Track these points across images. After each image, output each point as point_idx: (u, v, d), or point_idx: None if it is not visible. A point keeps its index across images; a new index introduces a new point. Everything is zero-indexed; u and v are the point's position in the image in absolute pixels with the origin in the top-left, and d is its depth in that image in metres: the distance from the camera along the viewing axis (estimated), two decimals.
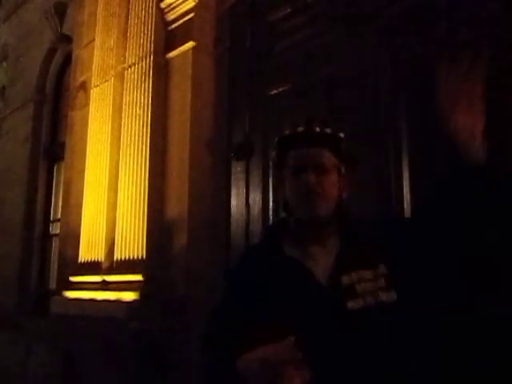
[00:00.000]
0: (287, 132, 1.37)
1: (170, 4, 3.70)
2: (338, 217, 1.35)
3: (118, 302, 3.41)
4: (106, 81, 4.09)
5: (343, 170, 1.36)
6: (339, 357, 1.17)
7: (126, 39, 3.95)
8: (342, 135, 1.38)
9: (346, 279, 1.25)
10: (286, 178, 1.35)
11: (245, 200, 3.16)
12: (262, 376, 1.10)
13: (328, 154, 1.33)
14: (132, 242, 3.48)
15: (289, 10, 3.13)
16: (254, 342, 1.15)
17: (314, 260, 1.30)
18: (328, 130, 1.35)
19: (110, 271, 3.67)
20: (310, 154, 1.32)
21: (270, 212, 2.97)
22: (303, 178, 1.29)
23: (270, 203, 2.98)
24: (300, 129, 1.34)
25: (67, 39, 5.59)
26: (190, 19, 3.59)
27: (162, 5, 3.74)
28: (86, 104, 4.40)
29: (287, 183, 1.35)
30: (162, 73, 3.69)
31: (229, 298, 1.36)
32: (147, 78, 3.66)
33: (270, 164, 1.53)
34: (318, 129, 1.33)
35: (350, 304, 1.22)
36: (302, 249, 1.33)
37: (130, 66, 3.85)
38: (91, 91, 4.28)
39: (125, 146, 3.73)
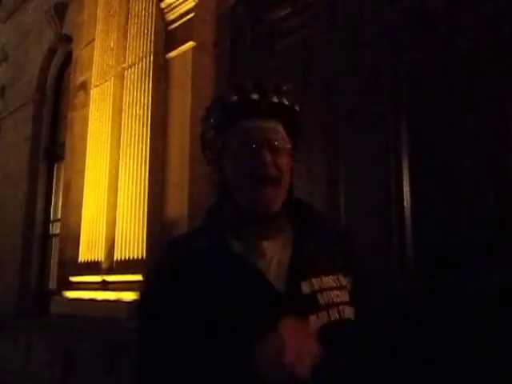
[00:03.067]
0: (235, 97, 1.07)
1: (170, 4, 3.70)
2: (289, 205, 1.13)
3: (118, 302, 3.41)
4: (106, 81, 4.09)
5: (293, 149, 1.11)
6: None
7: (126, 39, 3.95)
8: (297, 108, 1.12)
9: (305, 287, 1.02)
10: (229, 154, 1.07)
11: None
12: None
13: (282, 130, 1.08)
14: (132, 242, 3.48)
15: (289, 10, 3.13)
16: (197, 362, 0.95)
17: (265, 259, 1.05)
18: (285, 101, 1.09)
19: (110, 271, 3.67)
20: (263, 127, 1.06)
21: None
22: (258, 159, 1.03)
23: None
24: (254, 96, 1.06)
25: (67, 39, 5.59)
26: (189, 19, 3.59)
27: (162, 5, 3.74)
28: (86, 104, 4.40)
29: (231, 162, 1.07)
30: (161, 73, 3.69)
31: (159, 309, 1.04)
32: (147, 78, 3.66)
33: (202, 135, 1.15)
34: (275, 98, 1.07)
35: (313, 319, 0.99)
36: (249, 244, 1.06)
37: (130, 66, 3.85)
38: (91, 91, 4.29)
39: (125, 146, 3.73)
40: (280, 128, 1.08)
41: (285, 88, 1.14)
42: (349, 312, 1.06)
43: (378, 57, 2.54)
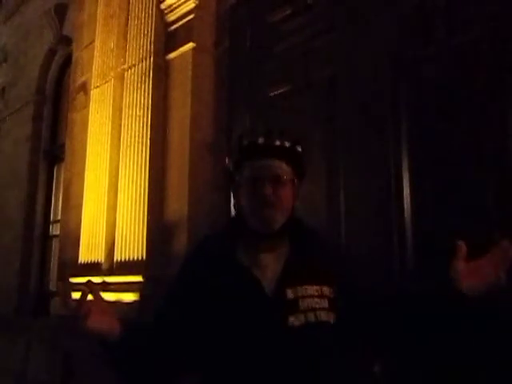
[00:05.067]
0: (246, 142, 1.36)
1: (170, 5, 3.70)
2: (290, 225, 1.38)
3: (118, 303, 3.41)
4: (106, 82, 4.09)
5: (296, 181, 1.37)
6: (273, 371, 1.20)
7: (126, 40, 3.95)
8: (299, 149, 1.37)
9: (290, 293, 1.27)
10: (242, 186, 1.35)
11: None
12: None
13: (285, 166, 1.34)
14: (132, 243, 3.48)
15: (288, 11, 3.14)
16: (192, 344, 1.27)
17: (263, 268, 1.32)
18: (287, 144, 1.34)
19: (110, 272, 3.67)
20: (267, 165, 1.33)
21: None
22: (260, 190, 1.30)
23: None
24: (260, 140, 1.34)
25: (67, 40, 5.60)
26: (190, 20, 3.59)
27: (162, 6, 3.74)
28: (86, 105, 4.41)
29: (243, 191, 1.35)
30: (162, 74, 3.69)
31: (172, 294, 1.39)
32: (147, 79, 3.67)
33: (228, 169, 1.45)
34: (278, 142, 1.33)
35: (291, 319, 1.24)
36: (252, 255, 1.34)
37: (130, 67, 3.85)
38: (91, 92, 4.29)
39: (125, 147, 3.73)
40: (283, 165, 1.34)
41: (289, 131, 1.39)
42: (326, 316, 1.28)
43: (378, 57, 2.54)
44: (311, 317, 1.26)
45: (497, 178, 2.05)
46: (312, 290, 1.29)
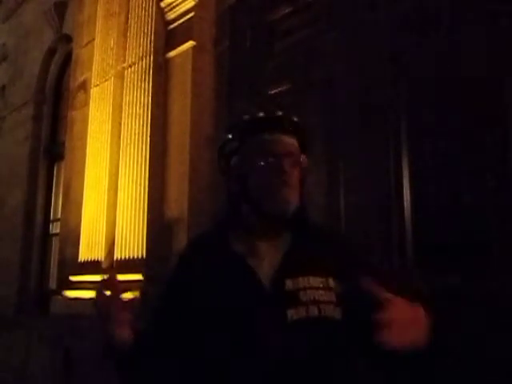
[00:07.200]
0: (261, 113, 1.21)
1: (170, 3, 3.70)
2: (297, 211, 1.21)
3: None
4: (105, 80, 4.09)
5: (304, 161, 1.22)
6: (270, 370, 1.07)
7: (126, 39, 3.95)
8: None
9: (290, 284, 1.13)
10: (251, 164, 1.18)
11: None
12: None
13: (296, 142, 1.20)
14: (132, 242, 3.48)
15: (288, 9, 3.13)
16: (190, 343, 1.14)
17: (259, 257, 1.18)
18: (295, 118, 1.21)
19: (109, 271, 3.67)
20: (284, 141, 1.18)
21: None
22: (279, 167, 1.15)
23: None
24: (279, 113, 1.20)
25: (67, 39, 5.59)
26: (189, 19, 3.59)
27: (162, 4, 3.74)
28: (86, 103, 4.40)
29: (255, 170, 1.18)
30: (161, 72, 3.69)
31: (165, 295, 1.30)
32: (147, 77, 3.66)
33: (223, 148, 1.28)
34: (295, 118, 1.21)
35: (290, 313, 1.09)
36: (249, 244, 1.20)
37: (129, 66, 3.85)
38: (91, 91, 4.29)
39: (125, 146, 3.73)
40: (296, 143, 1.20)
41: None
42: (331, 311, 1.12)
43: (377, 57, 2.54)
44: (314, 310, 1.10)
45: (497, 178, 2.04)
46: (316, 281, 1.14)
